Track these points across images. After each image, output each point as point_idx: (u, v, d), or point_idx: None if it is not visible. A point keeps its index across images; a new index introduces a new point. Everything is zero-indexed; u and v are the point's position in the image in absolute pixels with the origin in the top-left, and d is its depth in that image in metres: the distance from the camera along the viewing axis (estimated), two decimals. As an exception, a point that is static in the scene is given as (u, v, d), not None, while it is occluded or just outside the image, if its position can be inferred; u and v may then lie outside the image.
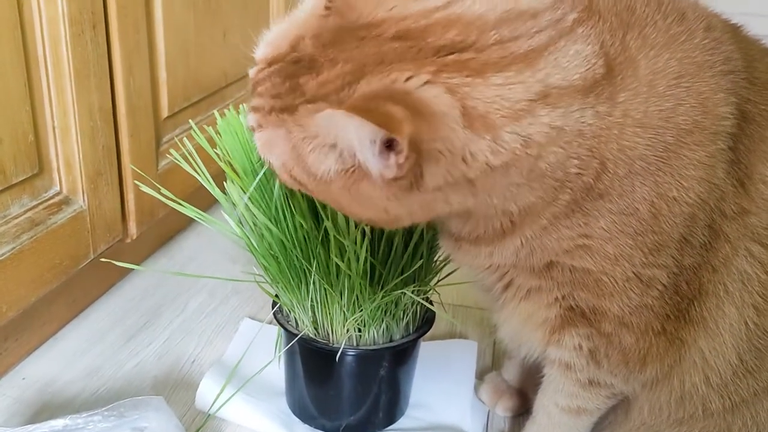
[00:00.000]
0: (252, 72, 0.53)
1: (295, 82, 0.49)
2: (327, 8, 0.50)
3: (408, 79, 0.47)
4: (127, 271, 1.09)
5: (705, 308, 0.58)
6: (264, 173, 0.70)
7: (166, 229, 1.16)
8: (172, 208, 0.72)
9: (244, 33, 1.18)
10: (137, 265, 1.11)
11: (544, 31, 0.49)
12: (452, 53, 0.47)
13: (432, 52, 0.47)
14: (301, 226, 0.69)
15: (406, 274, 0.74)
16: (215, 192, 0.73)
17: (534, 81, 0.48)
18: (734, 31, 0.57)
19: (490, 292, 0.66)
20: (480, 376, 0.89)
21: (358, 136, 0.45)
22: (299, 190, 0.54)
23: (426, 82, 0.46)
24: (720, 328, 0.58)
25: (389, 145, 0.45)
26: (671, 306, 0.57)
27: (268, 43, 0.52)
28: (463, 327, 1.02)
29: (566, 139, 0.49)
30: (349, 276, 0.71)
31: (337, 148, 0.48)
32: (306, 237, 0.70)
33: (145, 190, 0.73)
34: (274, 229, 0.71)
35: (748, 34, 0.59)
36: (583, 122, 0.50)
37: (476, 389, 0.87)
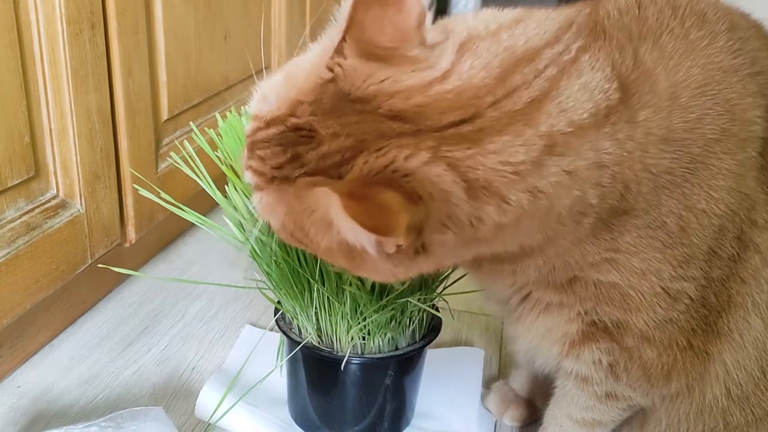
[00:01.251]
0: (249, 128, 0.51)
1: (296, 152, 0.47)
2: (329, 69, 0.47)
3: (407, 157, 0.45)
4: (125, 276, 1.07)
5: (732, 320, 0.56)
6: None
7: (165, 233, 1.15)
8: (172, 212, 0.70)
9: (245, 35, 1.17)
10: (136, 269, 1.09)
11: (545, 73, 0.47)
12: (450, 127, 0.46)
13: (431, 131, 0.46)
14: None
15: (412, 283, 0.72)
16: (216, 196, 0.71)
17: (536, 137, 0.46)
18: (757, 28, 0.55)
19: (504, 304, 0.64)
20: (486, 384, 0.87)
21: (351, 233, 0.44)
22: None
23: (427, 162, 0.45)
24: (744, 341, 0.56)
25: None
26: (698, 320, 0.55)
27: (265, 100, 0.50)
28: (469, 334, 1.00)
29: (582, 177, 0.47)
30: (352, 285, 0.69)
31: (335, 226, 0.46)
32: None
33: (144, 194, 0.71)
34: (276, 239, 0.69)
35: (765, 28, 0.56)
36: (600, 154, 0.48)
37: (483, 398, 0.85)
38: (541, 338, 0.62)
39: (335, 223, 0.45)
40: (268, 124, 0.49)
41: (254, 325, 0.97)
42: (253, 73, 1.22)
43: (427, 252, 0.47)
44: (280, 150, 0.48)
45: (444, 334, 0.93)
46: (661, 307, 0.54)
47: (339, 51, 0.47)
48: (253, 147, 0.50)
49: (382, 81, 0.46)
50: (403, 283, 0.69)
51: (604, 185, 0.48)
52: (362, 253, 0.47)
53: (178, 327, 0.98)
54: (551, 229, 0.50)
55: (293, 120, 0.47)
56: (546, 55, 0.48)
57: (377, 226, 0.42)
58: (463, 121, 0.46)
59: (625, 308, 0.55)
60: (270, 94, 0.50)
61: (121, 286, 1.05)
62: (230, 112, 0.73)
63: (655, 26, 0.51)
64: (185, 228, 1.22)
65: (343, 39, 0.47)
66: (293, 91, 0.48)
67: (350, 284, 0.67)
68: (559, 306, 0.58)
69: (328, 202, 0.44)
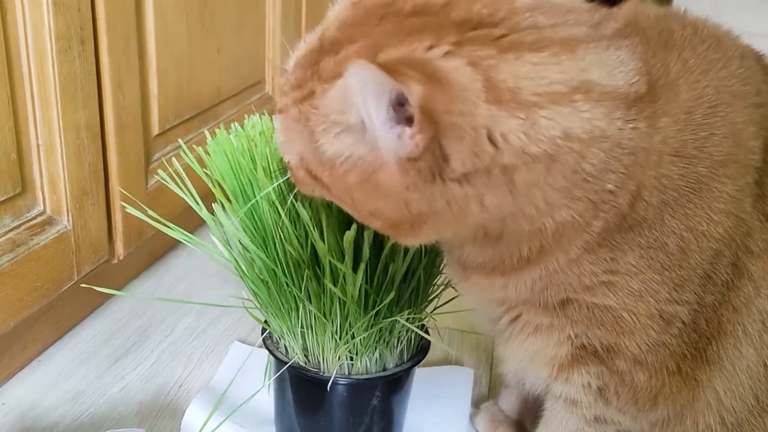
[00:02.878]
0: (281, 81, 0.53)
1: (316, 67, 0.48)
2: None
3: (428, 48, 0.44)
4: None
5: (722, 348, 0.55)
6: (252, 197, 0.68)
7: (155, 248, 1.14)
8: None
9: (238, 48, 1.16)
10: (125, 284, 1.08)
11: (583, 26, 0.47)
12: (477, 28, 0.45)
13: (455, 25, 0.45)
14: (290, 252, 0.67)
15: (401, 301, 0.71)
16: (203, 214, 0.71)
17: (575, 68, 0.45)
18: (760, 60, 0.56)
19: (494, 324, 0.64)
20: (476, 404, 0.86)
21: (367, 93, 0.42)
22: (316, 196, 0.52)
23: (447, 53, 0.44)
24: (737, 369, 0.56)
25: (404, 116, 0.43)
26: (689, 344, 0.55)
27: (299, 48, 0.51)
28: (459, 352, 0.99)
29: (607, 145, 0.46)
30: (342, 302, 0.69)
31: (348, 124, 0.45)
32: (296, 263, 0.68)
33: (131, 212, 0.71)
34: (262, 255, 0.68)
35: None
36: (623, 134, 0.47)
37: (472, 418, 0.84)
38: (530, 360, 0.61)
39: (350, 100, 0.44)
40: (296, 61, 0.51)
41: (243, 342, 0.97)
42: (246, 87, 1.23)
43: (444, 176, 0.45)
44: (302, 73, 0.49)
45: (433, 353, 0.93)
46: (654, 330, 0.54)
47: None
48: (283, 85, 0.51)
49: None
50: (405, 254, 0.66)
51: (620, 174, 0.47)
52: (376, 166, 0.45)
53: (166, 343, 0.97)
54: (571, 208, 0.48)
55: (318, 43, 0.49)
56: (583, 15, 0.48)
57: (392, 72, 0.41)
58: (493, 24, 0.45)
59: (618, 331, 0.54)
60: (304, 42, 0.52)
61: (109, 301, 1.04)
62: (219, 128, 0.73)
63: (681, 40, 0.52)
64: (175, 242, 1.21)
65: None
66: (323, 26, 0.51)
67: (341, 288, 0.66)
68: (549, 328, 0.58)
69: (344, 82, 0.43)
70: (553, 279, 0.53)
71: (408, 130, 0.43)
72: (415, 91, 0.41)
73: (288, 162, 0.52)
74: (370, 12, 0.48)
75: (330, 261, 0.65)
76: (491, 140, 0.44)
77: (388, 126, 0.43)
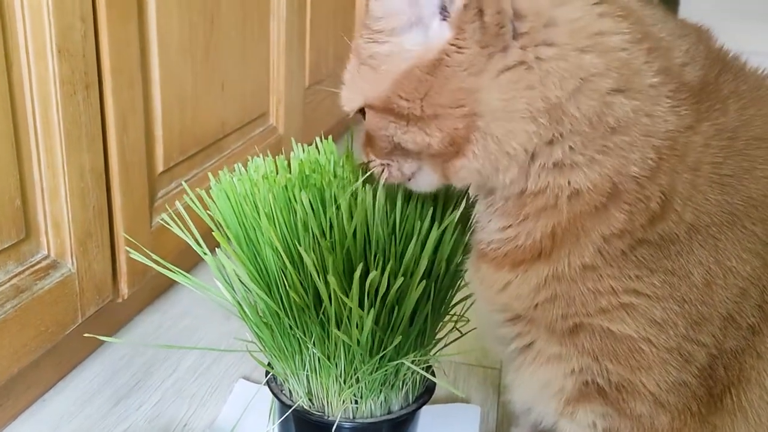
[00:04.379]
0: None
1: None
2: None
3: None
4: (116, 328, 1.05)
5: (745, 398, 0.53)
6: (255, 242, 0.68)
7: (158, 283, 1.14)
8: (167, 259, 0.69)
9: (243, 83, 1.17)
10: (129, 320, 1.08)
11: None
12: None
13: None
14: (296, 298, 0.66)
15: (407, 344, 0.71)
16: (206, 256, 0.70)
17: None
18: None
19: (505, 347, 0.62)
20: (483, 443, 0.86)
21: None
22: (384, 149, 0.55)
23: None
24: (764, 421, 0.53)
25: None
26: (705, 388, 0.53)
27: None
28: (465, 387, 0.98)
29: (638, 103, 0.47)
30: (347, 345, 0.68)
31: (398, 23, 0.49)
32: (301, 308, 0.67)
33: (135, 257, 0.71)
34: (266, 299, 0.68)
35: None
36: (660, 107, 0.48)
37: (479, 458, 0.83)
38: (539, 391, 0.60)
39: None
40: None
41: (248, 379, 0.96)
42: (251, 119, 1.23)
43: (486, 41, 0.47)
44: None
45: (439, 389, 0.92)
46: (674, 366, 0.52)
47: None
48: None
49: None
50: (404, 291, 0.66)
51: (647, 159, 0.48)
52: (431, 41, 0.49)
53: (170, 381, 0.97)
54: (591, 167, 0.49)
55: None
56: None
57: None
58: None
59: (633, 366, 0.52)
60: None
61: (113, 337, 1.04)
62: (223, 170, 0.73)
63: (735, 68, 0.52)
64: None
65: None
66: None
67: (346, 331, 0.66)
68: (558, 358, 0.56)
69: None
70: (563, 290, 0.52)
71: None
72: None
73: (356, 114, 0.55)
74: None
75: (337, 302, 0.65)
76: (513, 3, 0.47)
77: None
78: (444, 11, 0.49)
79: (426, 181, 0.57)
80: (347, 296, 0.63)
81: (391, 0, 0.50)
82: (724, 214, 0.49)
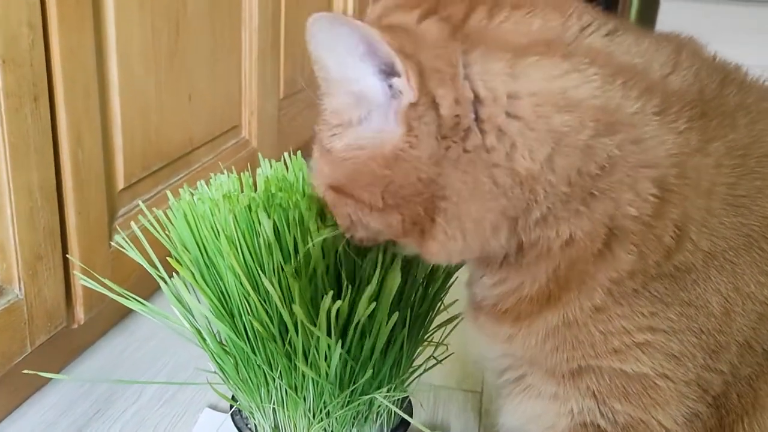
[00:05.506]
0: None
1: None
2: None
3: (402, 15, 0.45)
4: (77, 352, 1.00)
5: (759, 426, 0.50)
6: (216, 266, 0.63)
7: (122, 305, 1.08)
8: (129, 281, 0.64)
9: (212, 94, 1.12)
10: (92, 343, 1.02)
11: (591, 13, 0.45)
12: None
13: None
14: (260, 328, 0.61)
15: (380, 375, 0.66)
16: (163, 285, 0.65)
17: (568, 28, 0.43)
18: None
19: (497, 376, 0.59)
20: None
21: (334, 47, 0.44)
22: (346, 222, 0.51)
23: (419, 17, 0.45)
24: None
25: (385, 71, 0.43)
26: (716, 418, 0.50)
27: None
28: (445, 413, 0.94)
29: (621, 134, 0.43)
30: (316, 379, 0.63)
31: (350, 118, 0.46)
32: (266, 339, 0.62)
33: (86, 284, 0.65)
34: (227, 329, 0.63)
35: None
36: (656, 131, 0.43)
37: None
38: (527, 422, 0.57)
39: (320, 52, 0.45)
40: None
41: (215, 408, 0.91)
42: (221, 132, 1.18)
43: (442, 132, 0.44)
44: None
45: (417, 415, 0.87)
46: (692, 398, 0.49)
47: None
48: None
49: None
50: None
51: (646, 197, 0.43)
52: (383, 136, 0.45)
53: (132, 410, 0.91)
54: (579, 220, 0.44)
55: None
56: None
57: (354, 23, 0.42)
58: None
59: (647, 404, 0.49)
60: None
61: (73, 363, 0.98)
62: (183, 189, 0.68)
63: (738, 80, 0.49)
64: (145, 295, 1.15)
65: None
66: None
67: (312, 367, 0.61)
68: (552, 397, 0.53)
69: (308, 35, 0.44)
70: (572, 335, 0.48)
71: (397, 80, 0.43)
72: (380, 33, 0.41)
73: (320, 193, 0.52)
74: None
75: (304, 333, 0.60)
76: (472, 84, 0.43)
77: (376, 79, 0.44)
78: (393, 107, 0.45)
79: (406, 248, 0.54)
80: (314, 325, 0.59)
81: (339, 96, 0.46)
82: (741, 237, 0.46)
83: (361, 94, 0.45)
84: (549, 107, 0.43)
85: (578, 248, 0.46)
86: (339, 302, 0.57)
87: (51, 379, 0.94)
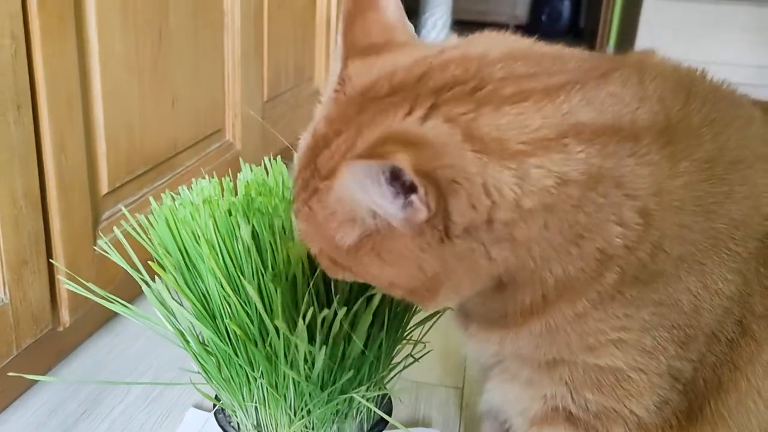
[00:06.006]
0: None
1: (314, 165, 0.49)
2: (336, 91, 0.51)
3: (402, 117, 0.45)
4: (63, 354, 1.01)
5: (723, 406, 0.53)
6: (197, 270, 0.65)
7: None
8: (114, 283, 0.66)
9: (195, 98, 1.13)
10: (78, 344, 1.03)
11: (570, 72, 0.47)
12: (452, 88, 0.45)
13: (431, 92, 0.45)
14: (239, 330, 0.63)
15: (360, 375, 0.68)
16: (145, 288, 0.67)
17: (559, 114, 0.45)
18: None
19: (482, 364, 0.63)
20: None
21: (364, 187, 0.43)
22: (341, 278, 0.53)
23: (422, 117, 0.44)
24: (746, 425, 0.53)
25: (405, 187, 0.43)
26: (687, 402, 0.53)
27: (300, 147, 0.53)
28: (426, 408, 0.96)
29: (607, 187, 0.45)
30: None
31: (357, 215, 0.47)
32: (245, 341, 0.64)
33: (70, 288, 0.67)
34: (208, 331, 0.65)
35: None
36: (626, 170, 0.45)
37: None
38: (505, 403, 0.60)
39: (352, 199, 0.46)
40: (301, 155, 0.52)
41: (200, 408, 0.92)
42: (205, 136, 1.19)
43: (451, 235, 0.45)
44: (304, 172, 0.50)
45: (398, 410, 0.89)
46: (664, 388, 0.52)
47: (342, 70, 0.51)
48: (294, 184, 0.52)
49: (382, 66, 0.49)
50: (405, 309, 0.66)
51: (631, 226, 0.46)
52: (388, 242, 0.47)
53: (119, 409, 0.93)
54: (573, 262, 0.47)
55: (312, 140, 0.50)
56: (576, 62, 0.48)
57: (378, 156, 0.42)
58: (468, 80, 0.46)
59: (620, 395, 0.52)
60: (301, 144, 0.53)
61: (60, 365, 1.00)
62: (164, 193, 0.70)
63: (702, 92, 0.51)
64: (131, 297, 1.17)
65: (344, 61, 0.51)
66: (313, 125, 0.52)
67: (292, 368, 0.63)
68: (526, 382, 0.56)
69: (338, 184, 0.45)
70: (551, 336, 0.51)
71: (415, 197, 0.43)
72: (401, 160, 0.41)
73: (313, 252, 0.53)
74: (351, 103, 0.49)
75: (284, 336, 0.62)
76: (487, 193, 0.44)
77: (396, 203, 0.44)
78: (407, 217, 0.46)
79: None
80: (294, 327, 0.60)
81: (352, 203, 0.46)
82: (709, 240, 0.48)
83: (379, 210, 0.46)
84: (547, 194, 0.45)
85: (569, 279, 0.48)
86: (325, 311, 0.59)
87: (38, 380, 0.96)
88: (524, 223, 0.45)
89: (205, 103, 1.17)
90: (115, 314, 1.13)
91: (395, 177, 0.43)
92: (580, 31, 4.29)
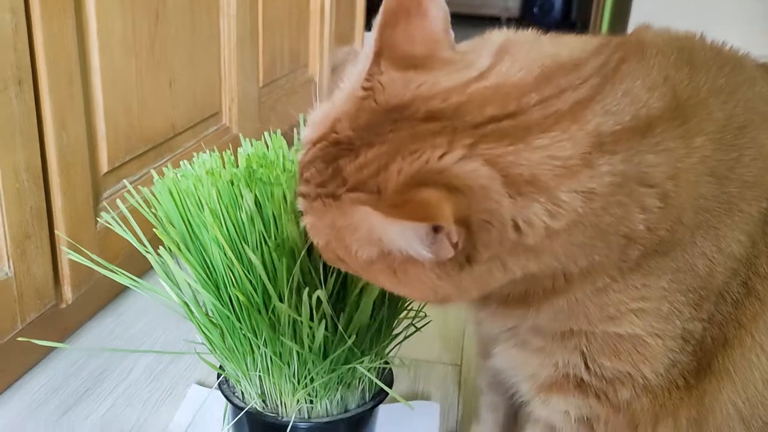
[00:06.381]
0: (299, 155, 0.52)
1: (336, 166, 0.48)
2: (363, 89, 0.49)
3: (441, 156, 0.44)
4: (67, 332, 1.02)
5: (728, 360, 0.55)
6: (202, 239, 0.66)
7: (111, 286, 1.10)
8: (116, 261, 0.67)
9: (192, 81, 1.14)
10: (81, 324, 1.04)
11: (591, 80, 0.47)
12: (490, 124, 0.45)
13: (468, 127, 0.45)
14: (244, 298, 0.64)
15: (362, 345, 0.69)
16: (150, 257, 0.68)
17: (583, 133, 0.45)
18: None
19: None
20: (444, 439, 0.84)
21: (400, 236, 0.44)
22: (342, 268, 0.53)
23: (461, 158, 0.44)
24: (749, 378, 0.55)
25: (436, 229, 0.44)
26: (696, 361, 0.55)
27: (313, 124, 0.51)
28: (425, 384, 0.97)
29: (630, 187, 0.46)
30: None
31: (382, 244, 0.47)
32: (248, 308, 0.65)
33: (73, 257, 0.68)
34: (213, 299, 0.66)
35: None
36: (646, 165, 0.47)
37: (439, 455, 0.82)
38: (512, 368, 0.61)
39: (383, 236, 0.45)
40: (313, 144, 0.50)
41: (203, 384, 0.93)
42: (202, 119, 1.20)
43: (472, 262, 0.46)
44: (323, 167, 0.49)
45: (398, 386, 0.90)
46: (675, 351, 0.53)
47: (373, 70, 0.49)
48: (301, 172, 0.51)
49: (420, 86, 0.48)
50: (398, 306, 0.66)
51: (653, 210, 0.47)
52: (406, 264, 0.47)
53: (122, 387, 0.93)
54: (600, 251, 0.48)
55: (333, 135, 0.49)
56: (591, 64, 0.48)
57: (422, 216, 0.42)
58: (504, 117, 0.46)
59: (636, 360, 0.53)
60: (316, 119, 0.51)
61: (64, 343, 1.00)
62: (167, 168, 0.70)
63: (705, 61, 0.51)
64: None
65: (377, 59, 0.49)
66: (334, 111, 0.50)
67: (295, 337, 0.64)
68: (537, 350, 0.57)
69: (372, 219, 0.45)
70: (570, 309, 0.52)
71: (445, 240, 0.44)
72: (446, 221, 0.42)
73: (316, 243, 0.51)
74: (383, 115, 0.48)
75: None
76: (517, 228, 0.45)
77: (426, 246, 0.45)
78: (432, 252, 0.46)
79: None
80: (298, 300, 0.61)
81: (381, 237, 0.46)
82: (723, 204, 0.50)
83: (408, 249, 0.46)
84: (575, 213, 0.46)
85: (593, 264, 0.49)
86: (321, 291, 0.60)
87: (41, 359, 0.97)
88: (549, 240, 0.46)
89: (202, 86, 1.17)
90: (117, 294, 1.14)
91: (434, 230, 0.44)
92: (572, 23, 4.31)
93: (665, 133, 0.47)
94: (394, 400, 0.89)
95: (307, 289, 0.61)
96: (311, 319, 0.63)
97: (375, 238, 0.46)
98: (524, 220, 0.45)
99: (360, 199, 0.46)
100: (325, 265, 0.63)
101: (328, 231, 0.49)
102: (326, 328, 0.64)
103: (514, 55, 0.48)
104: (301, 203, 0.51)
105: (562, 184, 0.45)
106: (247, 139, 0.75)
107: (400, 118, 0.47)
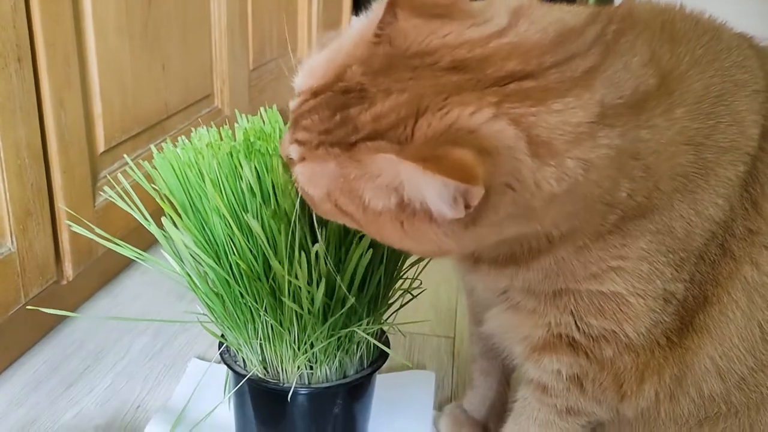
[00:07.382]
0: (293, 103, 0.51)
1: (346, 114, 0.47)
2: (377, 35, 0.48)
3: (471, 114, 0.45)
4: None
5: (707, 317, 0.57)
6: (202, 210, 0.67)
7: (107, 267, 1.11)
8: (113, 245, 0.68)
9: (184, 63, 1.15)
10: (77, 305, 1.06)
11: (594, 48, 0.49)
12: (512, 82, 0.46)
13: (492, 82, 0.46)
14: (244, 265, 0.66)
15: (360, 310, 0.71)
16: (153, 229, 0.69)
17: (593, 103, 0.47)
18: (753, 47, 0.58)
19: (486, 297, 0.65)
20: (440, 407, 0.86)
21: (429, 189, 0.44)
22: (340, 221, 0.52)
23: (491, 118, 0.45)
24: (726, 333, 0.57)
25: (466, 190, 0.44)
26: (678, 320, 0.57)
27: (310, 73, 0.50)
28: (420, 356, 0.99)
29: (622, 160, 0.48)
30: (299, 313, 0.68)
31: (401, 193, 0.46)
32: (249, 276, 0.67)
33: (77, 231, 0.69)
34: (216, 267, 0.67)
35: (761, 47, 0.59)
36: (637, 142, 0.49)
37: (435, 421, 0.84)
38: (505, 332, 0.63)
39: (410, 187, 0.45)
40: (315, 93, 0.49)
41: (202, 359, 0.95)
42: (195, 101, 1.21)
43: (478, 224, 0.47)
44: (328, 115, 0.47)
45: (393, 359, 0.92)
46: (657, 311, 0.55)
47: (387, 18, 0.48)
48: (297, 120, 0.49)
49: (446, 35, 0.47)
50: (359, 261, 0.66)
51: (636, 179, 0.49)
52: (417, 218, 0.46)
53: (122, 363, 0.95)
54: (581, 218, 0.50)
55: (341, 84, 0.47)
56: (590, 31, 0.49)
57: (458, 176, 0.42)
58: (524, 75, 0.46)
59: (620, 318, 0.55)
60: (316, 67, 0.50)
61: (61, 324, 1.02)
62: (166, 143, 0.72)
63: (685, 32, 0.53)
64: (128, 261, 1.19)
65: (390, 8, 0.48)
66: (340, 58, 0.48)
67: (299, 303, 0.66)
68: (530, 311, 0.59)
69: (402, 169, 0.44)
70: (557, 267, 0.54)
71: (461, 201, 0.44)
72: (480, 179, 0.42)
73: (309, 193, 0.51)
74: (402, 62, 0.47)
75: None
76: (530, 191, 0.46)
77: (448, 204, 0.45)
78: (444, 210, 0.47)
79: None
80: (298, 263, 0.63)
81: (404, 186, 0.46)
82: (699, 169, 0.52)
83: (430, 203, 0.46)
84: (575, 181, 0.47)
85: (574, 228, 0.52)
86: (317, 246, 0.62)
87: (40, 338, 0.98)
88: (549, 204, 0.48)
89: (194, 68, 1.19)
90: (113, 276, 1.15)
91: (464, 190, 0.44)
92: None
93: (654, 109, 0.49)
94: (391, 370, 0.91)
95: (303, 255, 0.62)
96: (309, 282, 0.64)
97: (395, 187, 0.46)
98: (535, 181, 0.46)
99: (382, 147, 0.45)
100: (319, 223, 0.64)
101: (330, 180, 0.48)
102: (325, 293, 0.66)
103: (530, 18, 0.49)
104: (296, 150, 0.50)
105: (569, 151, 0.46)
106: (243, 115, 0.76)
107: (422, 65, 0.47)
